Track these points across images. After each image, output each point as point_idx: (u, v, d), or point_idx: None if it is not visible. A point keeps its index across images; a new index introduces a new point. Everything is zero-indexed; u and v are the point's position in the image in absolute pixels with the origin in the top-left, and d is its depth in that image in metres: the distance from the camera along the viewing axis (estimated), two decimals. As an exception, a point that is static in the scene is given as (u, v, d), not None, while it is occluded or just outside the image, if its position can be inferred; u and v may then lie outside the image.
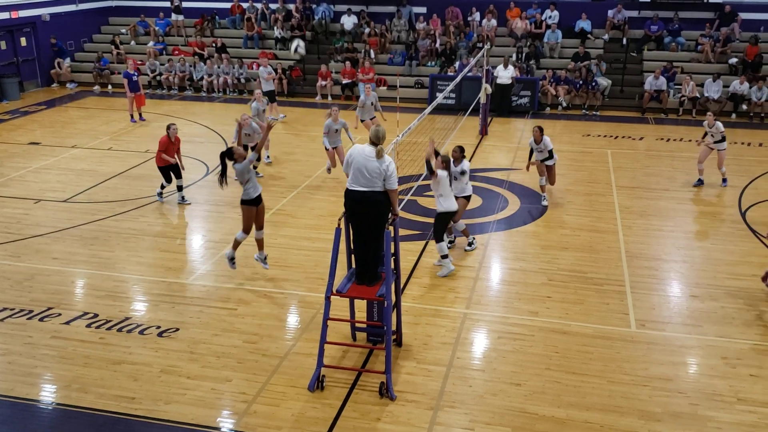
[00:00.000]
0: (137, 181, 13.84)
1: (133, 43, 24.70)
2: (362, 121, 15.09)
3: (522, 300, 9.14)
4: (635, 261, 10.30)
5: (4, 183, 13.78)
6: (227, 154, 9.26)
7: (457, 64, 21.12)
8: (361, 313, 8.19)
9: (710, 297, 9.24)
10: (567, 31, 22.14)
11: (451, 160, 9.84)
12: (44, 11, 23.17)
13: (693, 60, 20.98)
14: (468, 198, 10.48)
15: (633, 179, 14.04)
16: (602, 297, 9.23)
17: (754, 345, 8.11)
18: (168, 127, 12.24)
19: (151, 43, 24.07)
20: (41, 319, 8.63)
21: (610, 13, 22.22)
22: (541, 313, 8.80)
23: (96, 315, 8.72)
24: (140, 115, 18.83)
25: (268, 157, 14.91)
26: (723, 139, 13.23)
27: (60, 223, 11.66)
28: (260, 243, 9.68)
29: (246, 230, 9.42)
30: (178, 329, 8.39)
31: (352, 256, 7.56)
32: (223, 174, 9.36)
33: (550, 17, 22.26)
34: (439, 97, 15.43)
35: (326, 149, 13.36)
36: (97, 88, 22.99)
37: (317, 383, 7.20)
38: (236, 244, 9.56)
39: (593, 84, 19.93)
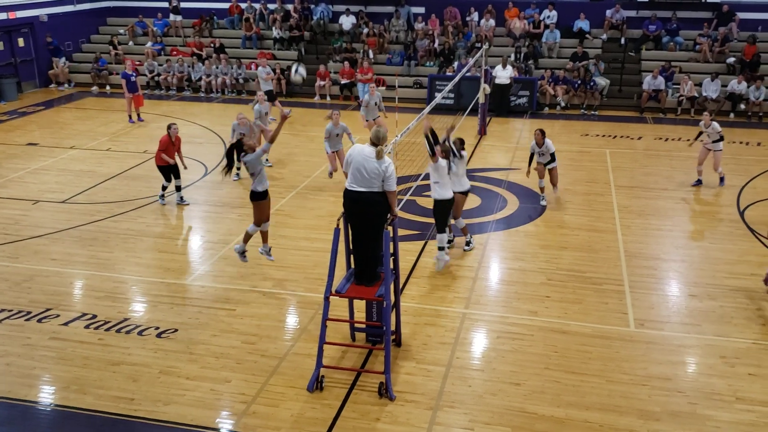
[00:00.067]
0: (136, 181, 13.83)
1: (131, 43, 24.67)
2: (368, 121, 15.05)
3: (521, 300, 9.15)
4: (634, 260, 10.31)
5: (2, 184, 13.76)
6: (237, 147, 9.24)
7: (455, 64, 21.13)
8: (360, 314, 8.18)
9: (709, 296, 9.25)
10: (565, 31, 22.15)
11: (454, 148, 9.86)
12: (42, 12, 23.15)
13: (691, 59, 20.99)
14: (466, 193, 10.47)
15: (631, 179, 14.05)
16: (601, 296, 9.23)
17: (753, 344, 8.11)
18: (169, 127, 12.23)
19: (149, 44, 24.04)
20: (40, 321, 8.62)
21: (608, 12, 22.24)
22: (540, 312, 8.81)
23: (95, 316, 8.71)
24: (138, 115, 18.81)
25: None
26: (720, 139, 13.22)
27: (58, 224, 11.65)
28: (265, 235, 9.69)
29: (257, 223, 9.45)
30: (176, 330, 8.39)
31: (351, 256, 7.57)
32: (229, 168, 9.33)
33: (548, 17, 22.27)
34: (438, 97, 15.42)
35: (327, 153, 13.34)
36: (95, 88, 22.95)
37: (316, 384, 7.20)
38: (247, 237, 9.56)
39: (591, 84, 19.94)
